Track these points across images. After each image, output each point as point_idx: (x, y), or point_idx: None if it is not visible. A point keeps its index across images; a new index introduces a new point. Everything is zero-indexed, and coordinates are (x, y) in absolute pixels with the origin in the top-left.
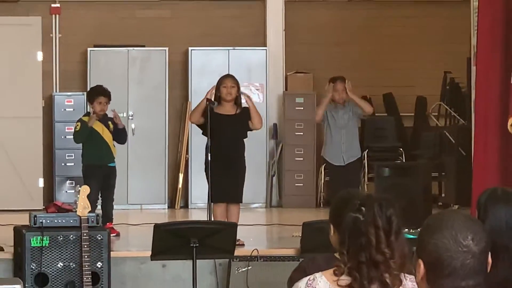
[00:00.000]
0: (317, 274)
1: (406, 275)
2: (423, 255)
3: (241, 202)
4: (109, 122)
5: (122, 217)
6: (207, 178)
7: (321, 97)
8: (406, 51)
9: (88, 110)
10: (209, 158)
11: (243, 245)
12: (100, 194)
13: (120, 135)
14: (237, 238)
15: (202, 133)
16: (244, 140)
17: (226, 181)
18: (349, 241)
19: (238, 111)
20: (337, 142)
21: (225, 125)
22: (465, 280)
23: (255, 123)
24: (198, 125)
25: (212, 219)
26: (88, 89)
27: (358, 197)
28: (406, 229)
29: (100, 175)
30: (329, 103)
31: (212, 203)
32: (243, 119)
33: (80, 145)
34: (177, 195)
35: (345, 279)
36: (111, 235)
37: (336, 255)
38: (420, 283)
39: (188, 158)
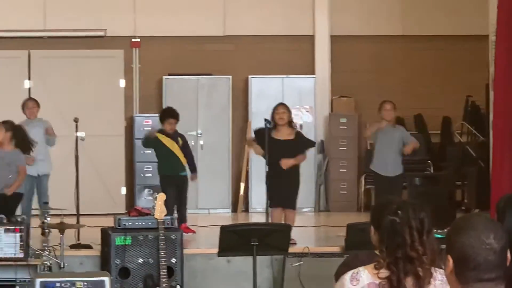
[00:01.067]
0: (360, 268)
1: (436, 268)
2: (452, 252)
3: (295, 209)
4: (179, 138)
5: (192, 219)
6: (267, 187)
7: (362, 117)
8: (434, 78)
9: (161, 128)
10: (267, 170)
11: (295, 243)
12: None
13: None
14: (291, 237)
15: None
16: None
17: (283, 190)
18: (387, 240)
19: (292, 137)
20: (385, 156)
21: (282, 149)
22: (487, 274)
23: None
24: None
25: (270, 221)
26: (165, 110)
27: (395, 203)
28: (435, 230)
29: (173, 184)
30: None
31: (270, 208)
32: (296, 144)
33: (155, 159)
34: (239, 201)
35: (384, 272)
36: (188, 233)
37: (376, 252)
38: (449, 276)
39: (248, 169)
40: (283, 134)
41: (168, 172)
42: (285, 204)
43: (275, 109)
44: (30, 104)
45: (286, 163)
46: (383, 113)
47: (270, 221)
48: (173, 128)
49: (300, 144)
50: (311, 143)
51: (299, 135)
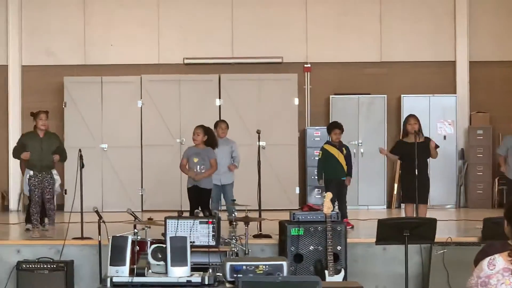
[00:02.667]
0: (496, 255)
1: None
2: None
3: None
4: (343, 148)
5: (353, 214)
6: (402, 187)
7: (496, 129)
8: None
9: (328, 139)
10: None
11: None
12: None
13: (349, 164)
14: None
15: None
16: (427, 160)
17: (417, 188)
18: None
19: (420, 140)
20: None
21: (414, 150)
22: None
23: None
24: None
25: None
26: (331, 123)
27: None
28: None
29: (334, 185)
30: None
31: (410, 204)
32: (424, 147)
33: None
34: (393, 199)
35: None
36: (347, 227)
37: (510, 242)
38: None
39: (401, 172)
40: (413, 139)
41: (331, 176)
42: (419, 199)
43: (407, 120)
44: (223, 125)
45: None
46: None
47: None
48: (338, 138)
49: (429, 144)
50: (435, 144)
51: (427, 139)
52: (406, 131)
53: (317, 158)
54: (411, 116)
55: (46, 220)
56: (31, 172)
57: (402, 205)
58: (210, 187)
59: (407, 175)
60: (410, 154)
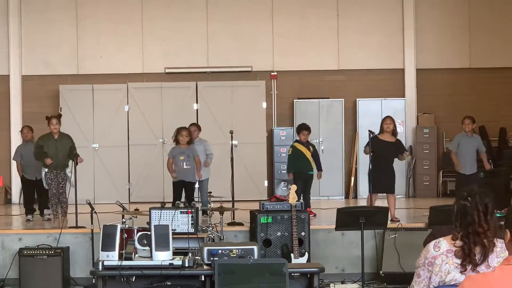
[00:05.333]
0: (441, 238)
1: (498, 239)
2: (509, 226)
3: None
4: (310, 146)
5: (315, 204)
6: (369, 178)
7: (440, 129)
8: (493, 99)
9: (296, 138)
10: (370, 167)
11: (399, 220)
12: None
13: (316, 161)
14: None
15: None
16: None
17: (385, 179)
18: (460, 219)
19: (394, 140)
20: (465, 159)
21: (386, 148)
22: None
23: (400, 159)
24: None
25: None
26: (296, 125)
27: (466, 190)
28: (496, 211)
29: (302, 178)
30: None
31: (372, 194)
32: (396, 147)
33: (286, 160)
34: (350, 190)
35: (459, 243)
36: (310, 215)
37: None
38: (507, 244)
39: (356, 167)
40: (387, 137)
41: (298, 170)
42: (388, 190)
43: (383, 120)
44: (192, 128)
45: (402, 157)
46: (463, 127)
47: (372, 204)
48: (306, 138)
49: (399, 146)
50: (404, 148)
51: (398, 140)
52: (382, 129)
53: (283, 155)
54: (388, 117)
55: (46, 211)
56: (46, 170)
57: (363, 195)
58: (194, 180)
59: (377, 168)
60: (382, 150)
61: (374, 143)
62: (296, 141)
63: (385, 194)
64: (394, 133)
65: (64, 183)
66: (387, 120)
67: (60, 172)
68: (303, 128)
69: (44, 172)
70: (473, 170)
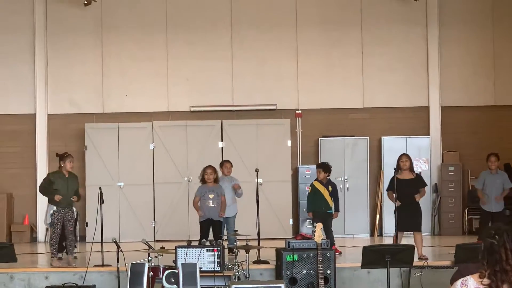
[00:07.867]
0: (468, 276)
1: None
2: None
3: (421, 231)
4: (329, 186)
5: (340, 242)
6: (395, 217)
7: (465, 166)
8: None
9: (317, 177)
10: (396, 205)
11: (427, 259)
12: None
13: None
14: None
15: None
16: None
17: (410, 218)
18: (487, 257)
19: (413, 176)
20: (490, 197)
21: (406, 186)
22: None
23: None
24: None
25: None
26: (318, 163)
27: (493, 228)
28: None
29: (320, 217)
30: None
31: (398, 232)
32: (416, 183)
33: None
34: (375, 228)
35: (486, 281)
36: (336, 253)
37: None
38: None
39: (381, 205)
40: (406, 175)
41: (318, 209)
42: (414, 228)
43: (400, 158)
44: (228, 165)
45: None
46: (488, 164)
47: (398, 242)
48: (322, 176)
49: (419, 181)
50: (424, 183)
51: (418, 176)
52: (399, 167)
53: (307, 192)
54: (404, 154)
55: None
56: (54, 208)
57: (389, 233)
58: (222, 219)
59: (402, 207)
60: (403, 189)
61: (394, 184)
62: (316, 179)
63: (411, 232)
64: (411, 169)
65: (73, 221)
66: (403, 158)
67: (68, 211)
68: (318, 166)
69: (52, 210)
70: (498, 208)
